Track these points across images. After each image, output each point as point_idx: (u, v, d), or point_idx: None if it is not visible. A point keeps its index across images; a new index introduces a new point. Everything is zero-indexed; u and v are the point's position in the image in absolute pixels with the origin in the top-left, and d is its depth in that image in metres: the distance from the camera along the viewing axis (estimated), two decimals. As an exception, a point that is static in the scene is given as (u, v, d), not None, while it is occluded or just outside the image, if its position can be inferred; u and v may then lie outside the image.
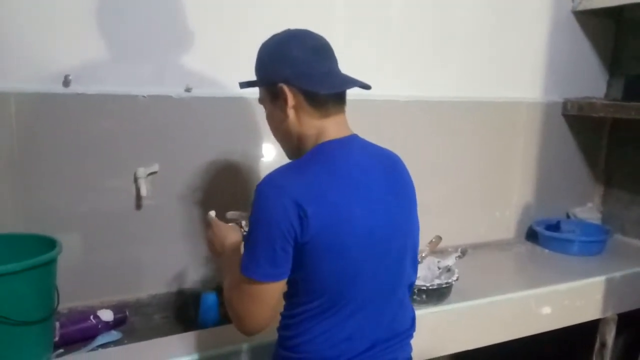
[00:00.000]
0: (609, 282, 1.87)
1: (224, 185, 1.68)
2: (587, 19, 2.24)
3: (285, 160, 1.10)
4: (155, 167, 1.56)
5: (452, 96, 2.02)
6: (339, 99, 1.06)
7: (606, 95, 2.37)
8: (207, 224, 1.29)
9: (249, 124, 1.68)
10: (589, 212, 2.39)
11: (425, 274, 1.73)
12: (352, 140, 1.06)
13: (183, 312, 1.62)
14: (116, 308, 1.49)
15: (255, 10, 1.63)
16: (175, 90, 1.57)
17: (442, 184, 2.06)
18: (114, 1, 1.46)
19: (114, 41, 1.48)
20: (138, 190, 1.53)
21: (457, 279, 1.62)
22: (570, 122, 2.31)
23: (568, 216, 2.38)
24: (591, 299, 1.85)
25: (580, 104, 2.22)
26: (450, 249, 1.90)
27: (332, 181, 0.97)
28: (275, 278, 0.96)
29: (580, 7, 2.18)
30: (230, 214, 1.36)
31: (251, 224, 0.97)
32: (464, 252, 1.75)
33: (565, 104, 2.27)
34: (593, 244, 2.11)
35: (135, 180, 1.54)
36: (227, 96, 1.63)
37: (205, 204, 1.65)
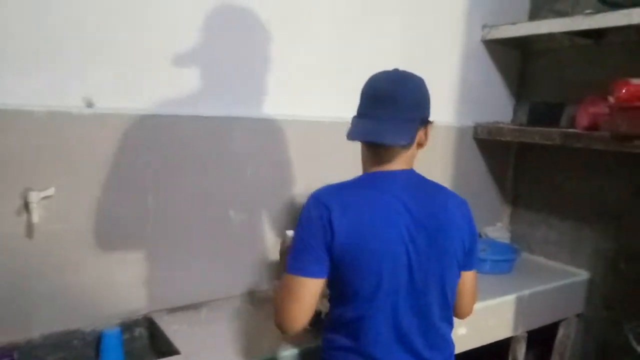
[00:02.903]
0: (519, 300, 1.95)
1: (127, 211, 1.55)
2: (495, 48, 2.37)
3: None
4: (50, 191, 1.40)
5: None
6: (374, 145, 1.19)
7: (513, 121, 2.52)
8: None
9: (159, 143, 1.57)
10: (499, 232, 2.50)
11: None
12: (397, 174, 1.21)
13: (81, 352, 1.47)
14: (2, 351, 1.32)
15: (167, 20, 1.54)
16: (75, 104, 1.43)
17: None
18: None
19: (4, 48, 1.32)
20: (29, 216, 1.37)
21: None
22: (480, 146, 2.43)
23: (480, 235, 2.48)
24: (503, 317, 1.91)
25: (490, 129, 2.33)
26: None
27: (363, 201, 1.15)
28: (311, 275, 1.13)
29: (489, 37, 2.31)
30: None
31: (296, 228, 1.18)
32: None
33: (476, 128, 2.38)
34: (503, 262, 2.19)
35: (26, 205, 1.37)
36: (135, 113, 1.52)
37: (105, 230, 1.51)
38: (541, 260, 2.41)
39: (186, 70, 1.60)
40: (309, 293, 1.14)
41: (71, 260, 1.48)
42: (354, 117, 1.22)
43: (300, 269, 1.14)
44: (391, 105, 1.16)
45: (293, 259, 1.16)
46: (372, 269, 1.13)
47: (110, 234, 1.52)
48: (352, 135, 1.17)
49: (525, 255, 2.43)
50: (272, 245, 1.84)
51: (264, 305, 1.71)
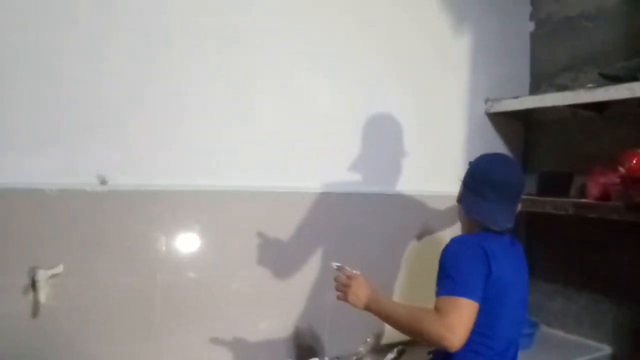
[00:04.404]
0: (542, 378, 1.85)
1: (141, 287, 1.51)
2: (498, 120, 2.42)
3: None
4: (58, 269, 1.37)
5: (381, 190, 2.04)
6: None
7: (521, 190, 2.52)
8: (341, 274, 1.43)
9: (172, 217, 1.56)
10: (515, 304, 2.42)
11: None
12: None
13: None
14: None
15: (177, 99, 1.58)
16: (88, 182, 1.44)
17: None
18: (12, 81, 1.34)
19: (19, 127, 1.35)
20: (36, 295, 1.33)
21: (395, 384, 1.52)
22: (490, 215, 2.40)
23: (495, 308, 2.40)
24: (527, 398, 1.80)
25: (499, 198, 2.31)
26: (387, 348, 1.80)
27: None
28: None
29: (492, 110, 2.36)
30: (335, 264, 1.47)
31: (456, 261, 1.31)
32: (401, 352, 1.67)
33: (485, 198, 2.36)
34: (523, 337, 2.10)
35: (34, 283, 1.34)
36: (147, 189, 1.52)
37: (113, 308, 1.46)
38: (560, 334, 2.32)
39: (193, 146, 1.63)
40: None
41: (76, 339, 1.42)
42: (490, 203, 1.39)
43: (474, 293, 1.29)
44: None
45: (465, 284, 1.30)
46: None
47: (118, 312, 1.48)
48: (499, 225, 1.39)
49: (543, 328, 2.34)
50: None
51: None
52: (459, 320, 1.20)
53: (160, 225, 1.55)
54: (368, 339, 1.75)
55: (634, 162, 1.63)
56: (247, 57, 1.71)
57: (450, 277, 1.27)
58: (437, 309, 1.24)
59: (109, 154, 1.48)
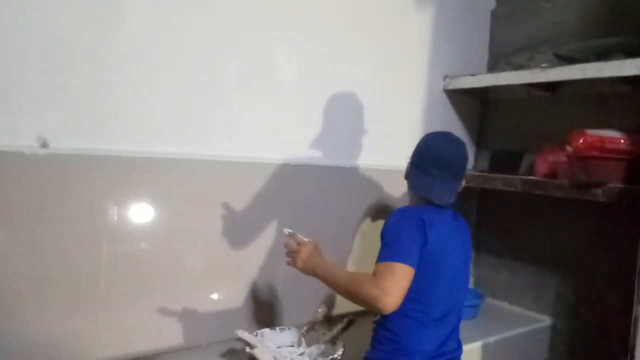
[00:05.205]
0: (485, 347, 1.92)
1: (84, 257, 1.46)
2: (456, 97, 2.45)
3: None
4: (-5, 235, 1.30)
5: (338, 163, 2.04)
6: None
7: (474, 167, 2.57)
8: (292, 240, 1.44)
9: (121, 185, 1.51)
10: (464, 277, 2.50)
11: (311, 350, 1.63)
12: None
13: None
14: None
15: (129, 57, 1.51)
16: (28, 144, 1.36)
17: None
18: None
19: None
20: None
21: (342, 353, 1.54)
22: (444, 191, 2.45)
23: (445, 281, 2.47)
24: (470, 366, 1.88)
25: (453, 174, 2.36)
26: (337, 318, 1.83)
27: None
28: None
29: (450, 87, 2.38)
30: (286, 230, 1.47)
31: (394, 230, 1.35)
32: (350, 322, 1.70)
33: (439, 174, 2.40)
34: (469, 308, 2.18)
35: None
36: (93, 154, 1.46)
37: (52, 277, 1.41)
38: (505, 305, 2.42)
39: (152, 111, 1.57)
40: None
41: (14, 311, 1.37)
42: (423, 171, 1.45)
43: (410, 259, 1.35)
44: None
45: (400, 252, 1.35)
46: None
47: (59, 282, 1.43)
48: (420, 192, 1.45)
49: (488, 300, 2.43)
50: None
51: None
52: (393, 283, 1.24)
53: (107, 193, 1.49)
54: (319, 310, 1.78)
55: (581, 141, 1.68)
56: (207, 25, 1.65)
57: (388, 244, 1.32)
58: (374, 274, 1.29)
59: (51, 115, 1.39)
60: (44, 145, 1.38)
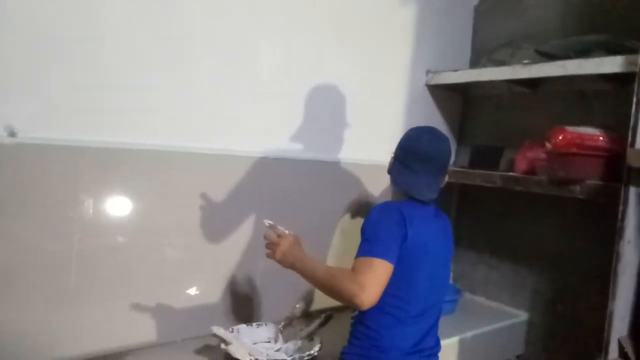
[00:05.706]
0: (462, 342, 1.93)
1: (55, 251, 1.41)
2: (438, 92, 2.45)
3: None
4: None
5: (319, 157, 2.02)
6: None
7: (455, 163, 2.57)
8: (272, 232, 1.42)
9: (94, 176, 1.46)
10: (443, 272, 2.50)
11: (287, 346, 1.62)
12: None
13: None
14: None
15: (103, 48, 1.46)
16: (-5, 133, 1.31)
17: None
18: None
19: None
20: None
21: (319, 350, 1.52)
22: (425, 186, 2.45)
23: (424, 276, 2.47)
24: (447, 360, 1.89)
25: (434, 170, 2.36)
26: (315, 313, 1.81)
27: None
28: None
29: (433, 82, 2.38)
30: (267, 221, 1.45)
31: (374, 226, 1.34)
32: (328, 318, 1.68)
33: (420, 169, 2.40)
34: (447, 303, 2.18)
35: None
36: (64, 144, 1.40)
37: (24, 274, 1.36)
38: (482, 300, 2.44)
39: (128, 102, 1.52)
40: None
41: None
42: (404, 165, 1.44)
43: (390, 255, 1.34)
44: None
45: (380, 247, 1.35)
46: None
47: (27, 277, 1.38)
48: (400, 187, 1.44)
49: (467, 295, 2.44)
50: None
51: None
52: (371, 279, 1.23)
53: (79, 184, 1.44)
54: (297, 305, 1.76)
55: (560, 138, 1.69)
56: (186, 16, 1.61)
57: (367, 240, 1.31)
58: (352, 269, 1.27)
59: (20, 103, 1.34)
60: (12, 134, 1.32)
